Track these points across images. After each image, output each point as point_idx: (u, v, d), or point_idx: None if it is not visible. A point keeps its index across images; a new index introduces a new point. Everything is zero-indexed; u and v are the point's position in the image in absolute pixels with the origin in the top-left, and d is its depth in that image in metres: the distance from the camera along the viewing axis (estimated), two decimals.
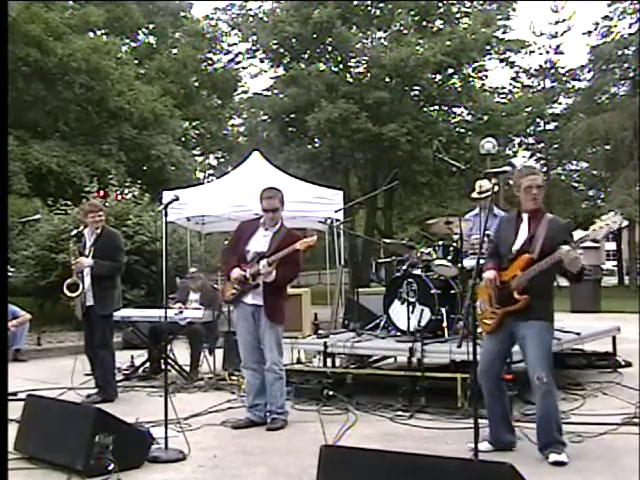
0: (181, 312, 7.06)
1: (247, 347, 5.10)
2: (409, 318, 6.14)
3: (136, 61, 22.41)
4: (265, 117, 28.07)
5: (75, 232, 6.38)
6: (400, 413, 5.29)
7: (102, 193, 13.19)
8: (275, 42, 25.53)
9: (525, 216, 4.19)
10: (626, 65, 26.20)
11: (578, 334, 6.55)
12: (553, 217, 4.17)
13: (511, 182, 4.36)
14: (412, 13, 25.56)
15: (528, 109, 26.73)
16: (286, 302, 5.25)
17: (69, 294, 6.10)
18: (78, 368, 6.44)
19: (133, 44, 26.40)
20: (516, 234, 4.16)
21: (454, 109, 27.03)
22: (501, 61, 27.76)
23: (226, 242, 6.22)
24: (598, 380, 6.49)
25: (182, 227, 12.26)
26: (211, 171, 32.74)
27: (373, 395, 5.75)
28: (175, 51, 26.31)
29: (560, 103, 29.87)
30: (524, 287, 4.02)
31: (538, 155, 30.04)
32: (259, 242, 5.07)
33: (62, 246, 11.66)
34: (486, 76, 27.33)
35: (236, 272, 5.01)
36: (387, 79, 24.26)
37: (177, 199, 4.95)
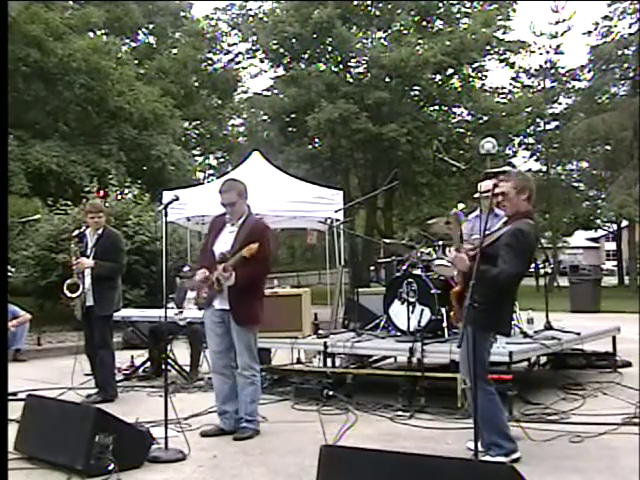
0: (181, 312, 7.06)
1: (215, 351, 4.88)
2: (409, 318, 6.14)
3: (136, 61, 22.41)
4: (265, 117, 28.07)
5: (77, 232, 6.37)
6: (400, 413, 5.29)
7: (102, 193, 13.19)
8: (275, 42, 25.52)
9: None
10: (626, 65, 26.16)
11: (578, 334, 6.56)
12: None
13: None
14: (412, 13, 25.56)
15: (528, 109, 26.72)
16: (260, 303, 4.88)
17: (69, 294, 6.11)
18: (78, 368, 6.44)
19: (133, 44, 26.41)
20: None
21: (454, 109, 27.02)
22: (501, 61, 27.77)
23: None
24: (598, 380, 6.49)
25: (182, 227, 12.26)
26: (211, 171, 32.74)
27: (373, 395, 5.75)
28: (175, 51, 26.32)
29: (560, 103, 29.85)
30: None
31: (538, 155, 30.02)
32: (224, 240, 4.83)
33: (62, 246, 11.68)
34: (486, 76, 27.37)
35: (200, 274, 4.78)
36: (387, 79, 24.25)
37: (177, 199, 4.94)
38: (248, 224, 4.83)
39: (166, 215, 4.75)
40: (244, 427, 4.78)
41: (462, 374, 4.08)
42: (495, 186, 4.08)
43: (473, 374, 3.67)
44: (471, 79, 26.70)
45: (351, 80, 25.65)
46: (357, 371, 6.28)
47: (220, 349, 4.86)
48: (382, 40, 25.68)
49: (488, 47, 25.36)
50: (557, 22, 28.14)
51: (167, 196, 8.47)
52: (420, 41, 23.81)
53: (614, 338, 7.25)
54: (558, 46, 28.60)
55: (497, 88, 28.47)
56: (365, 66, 25.69)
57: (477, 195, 6.63)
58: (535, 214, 4.32)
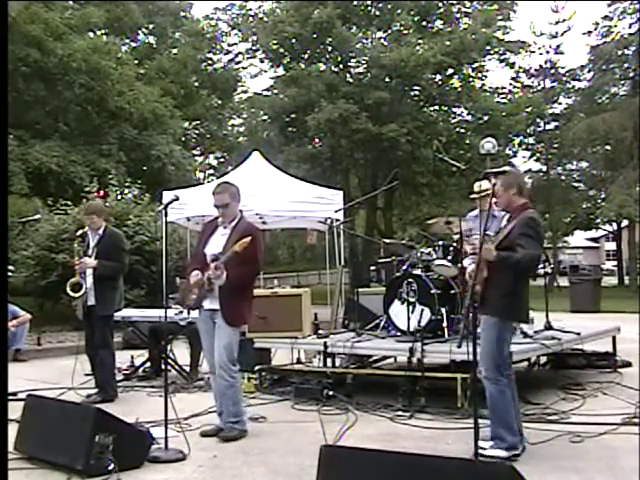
0: (181, 312, 7.05)
1: (210, 351, 4.86)
2: (409, 318, 6.14)
3: (136, 61, 22.42)
4: (265, 117, 28.07)
5: (80, 232, 6.39)
6: (400, 413, 5.30)
7: (102, 193, 13.19)
8: (275, 42, 25.52)
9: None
10: (626, 65, 26.19)
11: (578, 334, 6.56)
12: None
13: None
14: (412, 13, 25.55)
15: (528, 109, 26.72)
16: (249, 304, 4.94)
17: (72, 294, 6.12)
18: (78, 368, 6.44)
19: (133, 44, 26.42)
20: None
21: (454, 109, 27.00)
22: (501, 61, 27.78)
23: None
24: (598, 380, 6.50)
25: (182, 227, 12.25)
26: (211, 171, 32.75)
27: (373, 395, 5.76)
28: (175, 51, 26.32)
29: (560, 103, 29.87)
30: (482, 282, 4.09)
31: (538, 155, 30.03)
32: (216, 242, 4.82)
33: (62, 246, 11.69)
34: (486, 76, 27.38)
35: (194, 276, 4.75)
36: (387, 79, 24.25)
37: (177, 199, 4.95)
38: (240, 227, 4.82)
39: (166, 215, 4.75)
40: (230, 427, 4.79)
41: (479, 365, 4.11)
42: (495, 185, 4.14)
43: (474, 363, 3.78)
44: (471, 79, 26.71)
45: (351, 80, 25.65)
46: (357, 371, 6.28)
47: (214, 349, 4.84)
48: (382, 40, 25.68)
49: (488, 47, 25.35)
50: (557, 22, 28.16)
51: (167, 196, 8.47)
52: (420, 41, 23.81)
53: (614, 338, 7.26)
54: (558, 46, 28.63)
55: (497, 88, 28.50)
56: (365, 66, 25.69)
57: (474, 195, 6.63)
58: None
